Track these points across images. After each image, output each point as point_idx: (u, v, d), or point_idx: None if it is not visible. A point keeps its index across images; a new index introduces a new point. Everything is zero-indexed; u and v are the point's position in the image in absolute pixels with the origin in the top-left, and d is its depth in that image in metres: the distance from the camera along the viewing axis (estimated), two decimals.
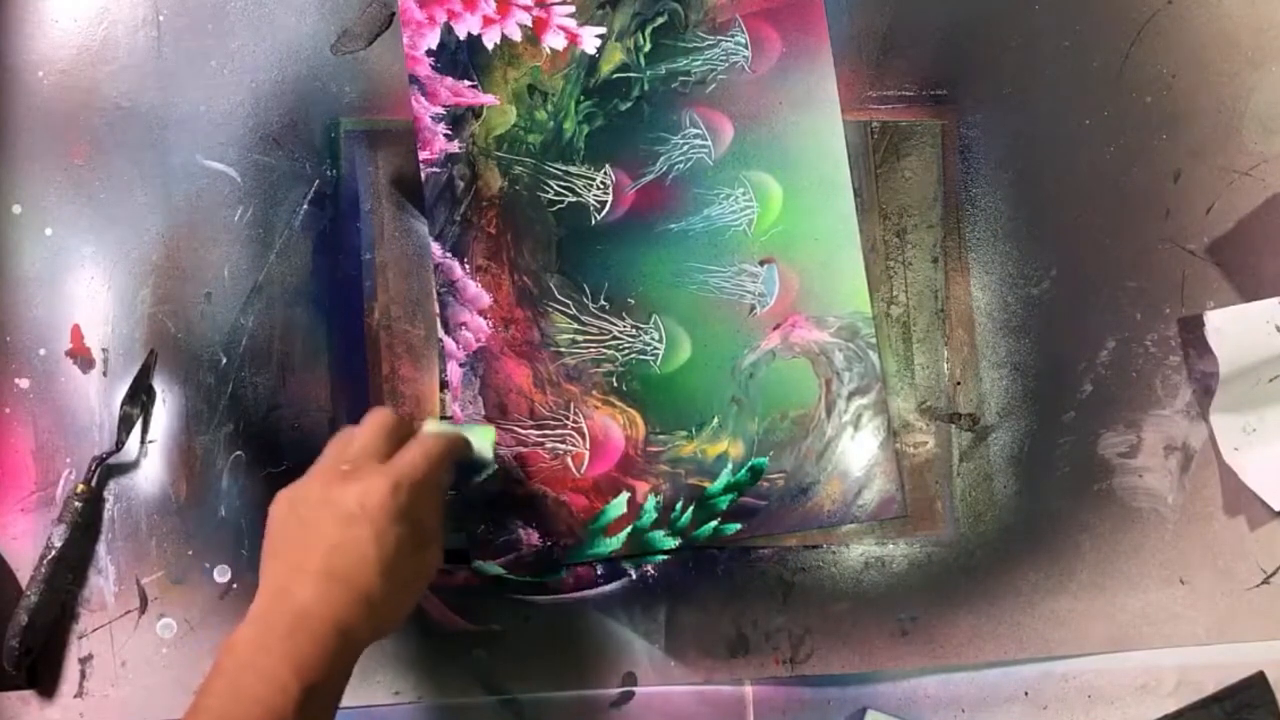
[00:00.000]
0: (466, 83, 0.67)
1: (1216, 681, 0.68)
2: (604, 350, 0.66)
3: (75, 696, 0.64)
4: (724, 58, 0.68)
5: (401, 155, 0.67)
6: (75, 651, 0.64)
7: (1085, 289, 0.70)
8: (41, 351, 0.66)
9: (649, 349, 0.66)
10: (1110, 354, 0.70)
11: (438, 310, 0.66)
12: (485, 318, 0.66)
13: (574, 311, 0.66)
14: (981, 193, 0.70)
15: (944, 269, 0.69)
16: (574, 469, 0.66)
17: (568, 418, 0.66)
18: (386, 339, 0.67)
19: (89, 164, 0.67)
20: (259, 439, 0.66)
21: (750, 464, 0.66)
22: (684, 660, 0.66)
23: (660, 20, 0.68)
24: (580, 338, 0.66)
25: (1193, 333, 0.69)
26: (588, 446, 0.66)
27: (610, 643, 0.66)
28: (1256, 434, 0.69)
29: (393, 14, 0.68)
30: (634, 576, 0.66)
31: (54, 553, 0.63)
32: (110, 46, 0.67)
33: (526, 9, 0.67)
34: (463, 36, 0.67)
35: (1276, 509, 0.69)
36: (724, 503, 0.66)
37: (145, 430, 0.66)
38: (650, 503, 0.66)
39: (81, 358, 0.66)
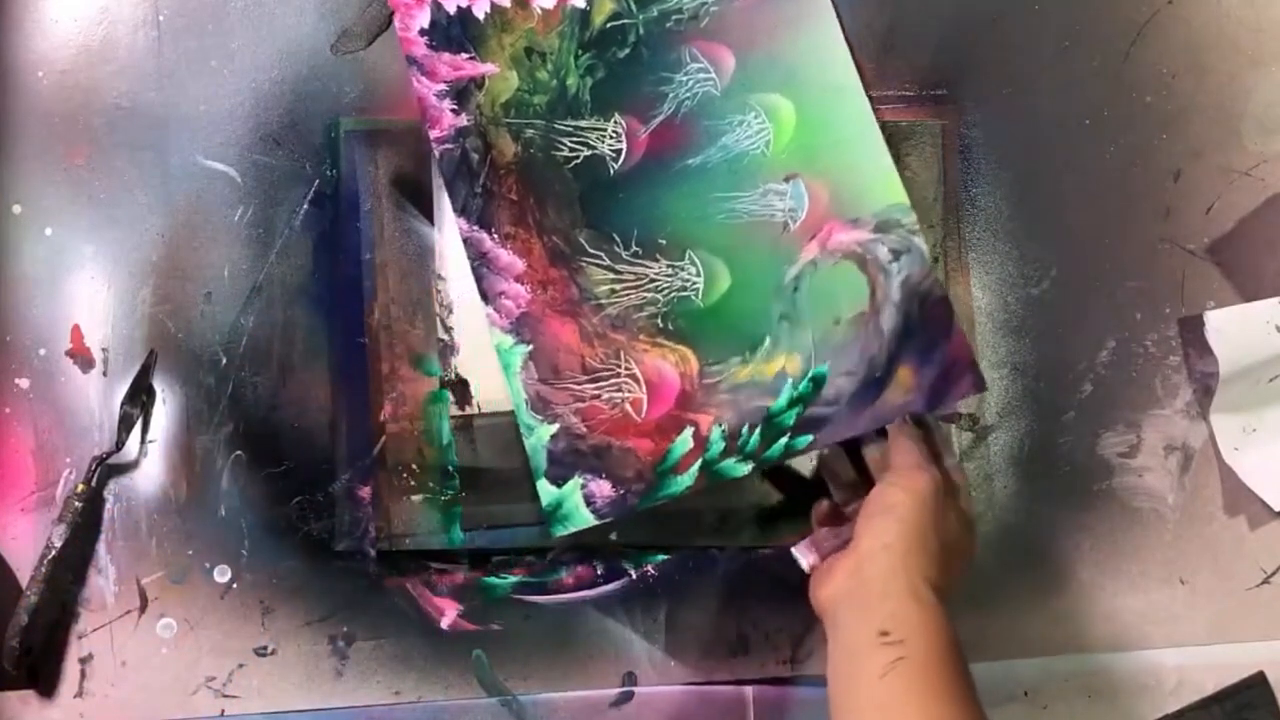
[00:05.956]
0: (464, 55, 0.67)
1: (1216, 681, 0.68)
2: (644, 294, 0.66)
3: (75, 696, 0.64)
4: None
5: (402, 155, 0.67)
6: (75, 651, 0.64)
7: (1085, 289, 0.70)
8: (41, 351, 0.66)
9: (688, 284, 0.66)
10: (1110, 354, 0.70)
11: (475, 282, 0.66)
12: (522, 283, 0.66)
13: (608, 262, 0.66)
14: (981, 193, 0.70)
15: (944, 269, 0.69)
16: (634, 414, 0.65)
17: (619, 366, 0.65)
18: (386, 339, 0.67)
19: (89, 164, 0.67)
20: (259, 439, 0.66)
21: (810, 374, 0.65)
22: (684, 660, 0.66)
23: None
24: (619, 286, 0.66)
25: (1193, 333, 0.69)
26: (644, 390, 0.65)
27: (610, 643, 0.66)
28: (1256, 434, 0.69)
29: (392, 13, 0.68)
30: (634, 576, 0.66)
31: (54, 553, 0.63)
32: (110, 46, 0.67)
33: None
34: (452, 11, 0.67)
35: (1276, 509, 0.69)
36: (790, 418, 0.65)
37: (145, 430, 0.66)
38: (715, 433, 0.65)
39: (81, 358, 0.66)
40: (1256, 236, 0.70)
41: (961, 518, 0.59)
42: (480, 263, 0.66)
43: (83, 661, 0.64)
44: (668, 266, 0.66)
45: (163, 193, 0.67)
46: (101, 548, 0.65)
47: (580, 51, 0.67)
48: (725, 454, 0.65)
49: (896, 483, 0.58)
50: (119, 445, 0.65)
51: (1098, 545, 0.68)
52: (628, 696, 0.66)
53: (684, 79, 0.67)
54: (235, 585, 0.65)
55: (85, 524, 0.64)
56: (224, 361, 0.66)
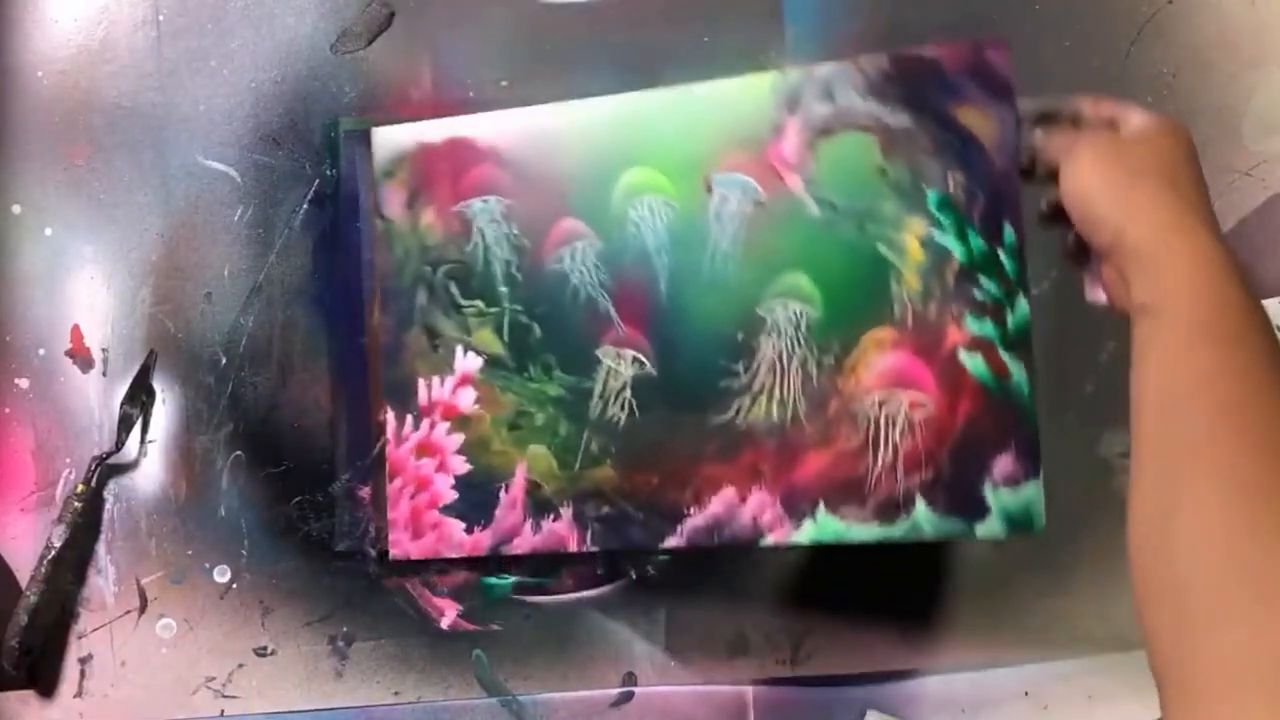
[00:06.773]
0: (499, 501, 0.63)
1: None
2: (790, 381, 0.60)
3: (75, 696, 0.64)
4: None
5: None
6: (75, 651, 0.64)
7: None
8: (41, 351, 0.66)
9: (799, 319, 0.60)
10: (1110, 354, 0.69)
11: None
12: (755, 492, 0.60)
13: (724, 401, 0.60)
14: None
15: None
16: (924, 411, 0.59)
17: (868, 418, 0.59)
18: None
19: (89, 164, 0.67)
20: (259, 439, 0.66)
21: (935, 204, 0.59)
22: (684, 660, 0.66)
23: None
24: (773, 394, 0.60)
25: None
26: (889, 391, 0.59)
27: (610, 643, 0.66)
28: None
29: (392, 13, 0.68)
30: (634, 576, 0.66)
31: (54, 553, 0.63)
32: (110, 46, 0.67)
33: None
34: (454, 492, 0.63)
35: None
36: (976, 239, 0.59)
37: (145, 430, 0.66)
38: (970, 324, 0.59)
39: (81, 358, 0.66)
40: (1256, 236, 0.70)
41: (1138, 125, 0.56)
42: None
43: (82, 661, 0.64)
44: (769, 344, 0.60)
45: (162, 193, 0.67)
46: (101, 548, 0.65)
47: (545, 373, 0.62)
48: (995, 321, 0.59)
49: (1069, 177, 0.54)
50: (119, 445, 0.65)
51: (1098, 545, 0.68)
52: (628, 696, 0.66)
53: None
54: (235, 585, 0.65)
55: (85, 524, 0.64)
56: (224, 361, 0.66)
